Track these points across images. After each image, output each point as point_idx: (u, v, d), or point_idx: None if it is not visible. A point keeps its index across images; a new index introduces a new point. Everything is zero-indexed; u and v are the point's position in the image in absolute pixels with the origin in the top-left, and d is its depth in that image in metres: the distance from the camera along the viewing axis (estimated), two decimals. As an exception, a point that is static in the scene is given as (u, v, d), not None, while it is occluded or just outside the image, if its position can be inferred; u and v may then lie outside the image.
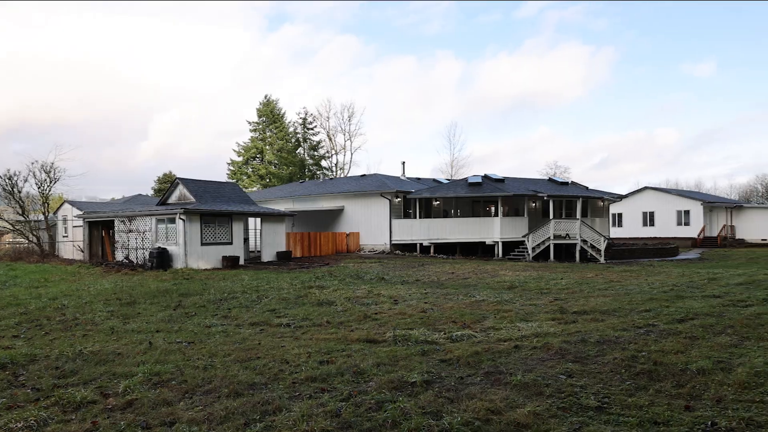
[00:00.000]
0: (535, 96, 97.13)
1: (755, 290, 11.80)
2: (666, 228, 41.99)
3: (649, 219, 43.39)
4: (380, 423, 4.35)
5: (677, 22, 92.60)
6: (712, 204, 41.21)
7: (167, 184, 51.60)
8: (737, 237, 40.19)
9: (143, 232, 21.98)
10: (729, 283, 13.46)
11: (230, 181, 55.71)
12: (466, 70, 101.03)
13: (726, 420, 4.21)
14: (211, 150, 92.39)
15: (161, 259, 20.19)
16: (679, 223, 41.43)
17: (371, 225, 29.25)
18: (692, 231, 40.22)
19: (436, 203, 30.28)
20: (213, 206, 22.07)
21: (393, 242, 28.21)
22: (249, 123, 64.93)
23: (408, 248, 28.11)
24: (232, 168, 64.22)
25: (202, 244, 21.01)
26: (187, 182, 23.83)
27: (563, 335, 7.36)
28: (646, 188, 45.18)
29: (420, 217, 28.57)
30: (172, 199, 24.07)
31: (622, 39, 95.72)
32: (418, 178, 35.73)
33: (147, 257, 20.89)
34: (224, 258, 21.21)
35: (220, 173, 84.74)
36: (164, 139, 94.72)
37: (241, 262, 22.27)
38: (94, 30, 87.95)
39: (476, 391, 5.06)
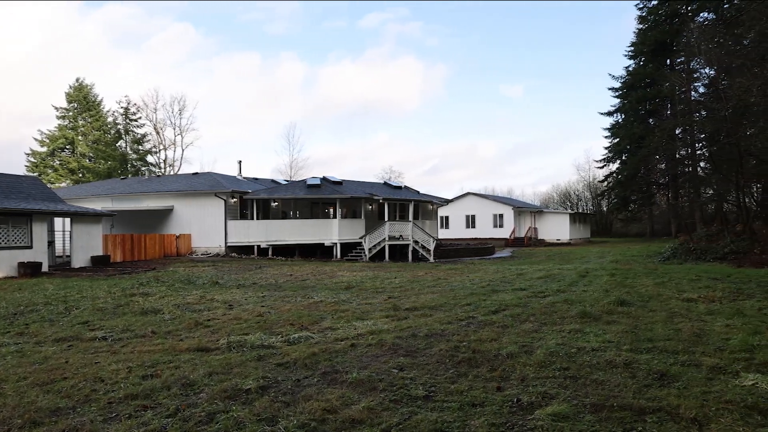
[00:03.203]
0: (377, 103, 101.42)
1: (551, 283, 13.89)
2: (485, 229, 47.20)
3: (471, 221, 48.32)
4: (211, 436, 4.09)
5: (495, 47, 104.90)
6: (520, 209, 47.51)
7: (-58, 175, 42.14)
8: (539, 237, 46.89)
9: None
10: (532, 277, 15.60)
11: (30, 174, 47.67)
12: (310, 73, 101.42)
13: (528, 396, 4.86)
14: (6, 138, 78.02)
15: (-69, 267, 16.47)
16: (495, 225, 46.91)
17: (205, 226, 27.56)
18: (505, 232, 45.84)
19: (274, 204, 29.72)
20: (5, 203, 18.67)
21: (229, 244, 26.96)
22: (56, 109, 56.44)
23: (245, 250, 27.12)
24: (33, 160, 55.13)
25: (-9, 248, 17.66)
26: (-30, 174, 19.81)
27: (396, 331, 7.78)
28: (468, 194, 50.24)
29: (258, 218, 27.77)
30: (-51, 194, 19.78)
31: (453, 57, 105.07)
32: (256, 179, 34.73)
33: None
34: (21, 265, 18.08)
35: (17, 165, 71.90)
36: (-62, 121, 77.09)
37: (45, 268, 19.22)
38: None
39: (313, 392, 5.06)
